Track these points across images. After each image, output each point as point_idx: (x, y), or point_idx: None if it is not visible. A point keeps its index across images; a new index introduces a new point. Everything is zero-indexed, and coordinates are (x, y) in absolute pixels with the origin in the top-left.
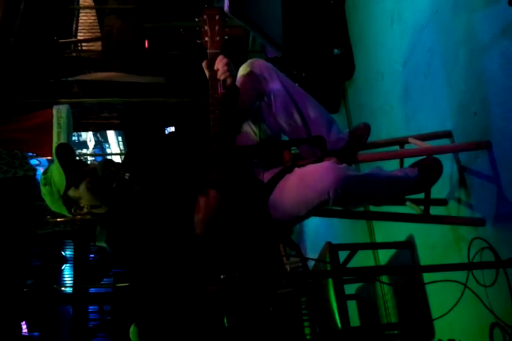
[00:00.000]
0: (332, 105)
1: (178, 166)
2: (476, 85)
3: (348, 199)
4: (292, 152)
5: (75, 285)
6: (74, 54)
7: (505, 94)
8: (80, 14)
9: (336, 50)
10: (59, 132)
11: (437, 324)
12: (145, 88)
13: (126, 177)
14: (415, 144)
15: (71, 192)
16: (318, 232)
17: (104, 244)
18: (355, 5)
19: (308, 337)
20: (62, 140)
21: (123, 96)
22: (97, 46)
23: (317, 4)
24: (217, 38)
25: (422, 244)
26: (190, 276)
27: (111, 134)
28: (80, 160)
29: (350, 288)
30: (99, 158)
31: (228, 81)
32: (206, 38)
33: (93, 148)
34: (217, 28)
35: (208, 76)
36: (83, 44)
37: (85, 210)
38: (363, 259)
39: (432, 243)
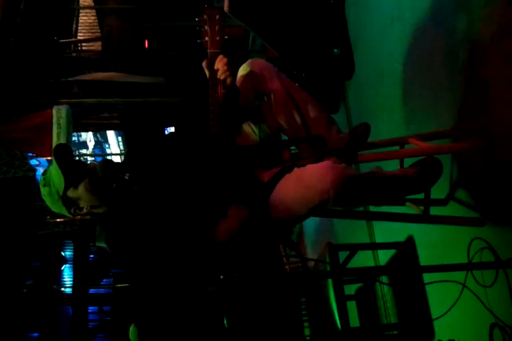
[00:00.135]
0: (332, 105)
1: (178, 166)
2: (476, 85)
3: (347, 199)
4: (292, 152)
5: (74, 286)
6: (74, 54)
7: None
8: (80, 14)
9: (335, 50)
10: (59, 132)
11: (437, 324)
12: (145, 88)
13: (126, 178)
14: (415, 144)
15: (70, 193)
16: (318, 232)
17: (103, 244)
18: (355, 5)
19: (308, 337)
20: (62, 140)
21: (123, 97)
22: (97, 46)
23: (317, 4)
24: (217, 38)
25: (422, 244)
26: (190, 277)
27: (111, 134)
28: (79, 160)
29: (350, 289)
30: (99, 158)
31: (228, 81)
32: (206, 38)
33: (93, 148)
34: (217, 27)
35: (208, 76)
36: (83, 44)
37: (85, 210)
38: (362, 259)
39: (432, 243)
